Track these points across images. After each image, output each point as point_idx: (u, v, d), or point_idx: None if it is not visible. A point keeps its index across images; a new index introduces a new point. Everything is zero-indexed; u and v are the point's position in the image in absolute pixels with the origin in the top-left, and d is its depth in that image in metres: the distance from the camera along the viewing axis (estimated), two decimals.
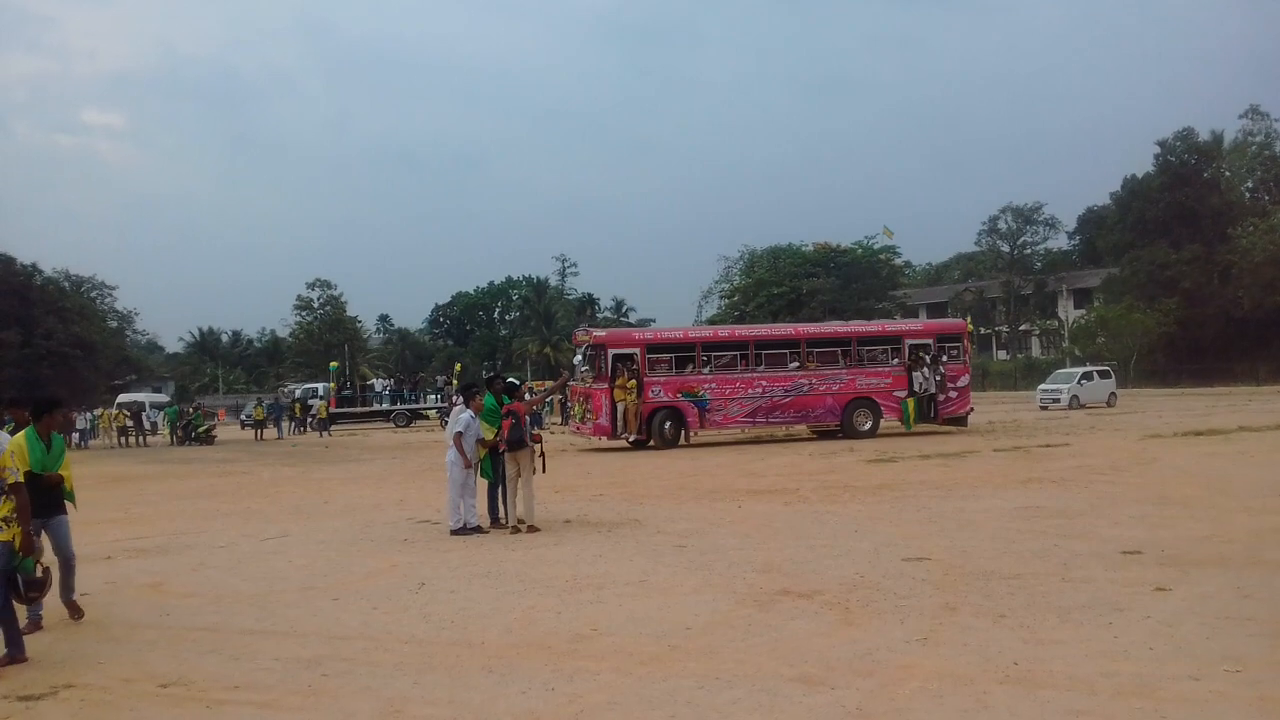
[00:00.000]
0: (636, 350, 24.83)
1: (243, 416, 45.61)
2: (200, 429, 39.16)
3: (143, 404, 45.72)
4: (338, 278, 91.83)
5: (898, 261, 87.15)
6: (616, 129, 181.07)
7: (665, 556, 9.92)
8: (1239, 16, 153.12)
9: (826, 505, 13.34)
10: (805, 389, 25.49)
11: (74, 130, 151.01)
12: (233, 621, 7.77)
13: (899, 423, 26.31)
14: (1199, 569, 8.41)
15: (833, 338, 27.39)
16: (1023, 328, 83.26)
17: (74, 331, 57.09)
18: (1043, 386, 42.95)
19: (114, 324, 71.69)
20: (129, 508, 16.45)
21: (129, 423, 40.75)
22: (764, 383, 25.31)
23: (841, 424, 25.87)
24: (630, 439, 24.40)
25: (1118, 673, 5.70)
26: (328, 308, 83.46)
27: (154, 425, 41.22)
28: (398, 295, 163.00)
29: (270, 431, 41.73)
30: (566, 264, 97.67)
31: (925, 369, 26.04)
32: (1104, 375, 43.32)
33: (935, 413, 26.29)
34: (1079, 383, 41.60)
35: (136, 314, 78.48)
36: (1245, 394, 47.41)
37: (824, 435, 26.45)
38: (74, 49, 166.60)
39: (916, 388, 25.99)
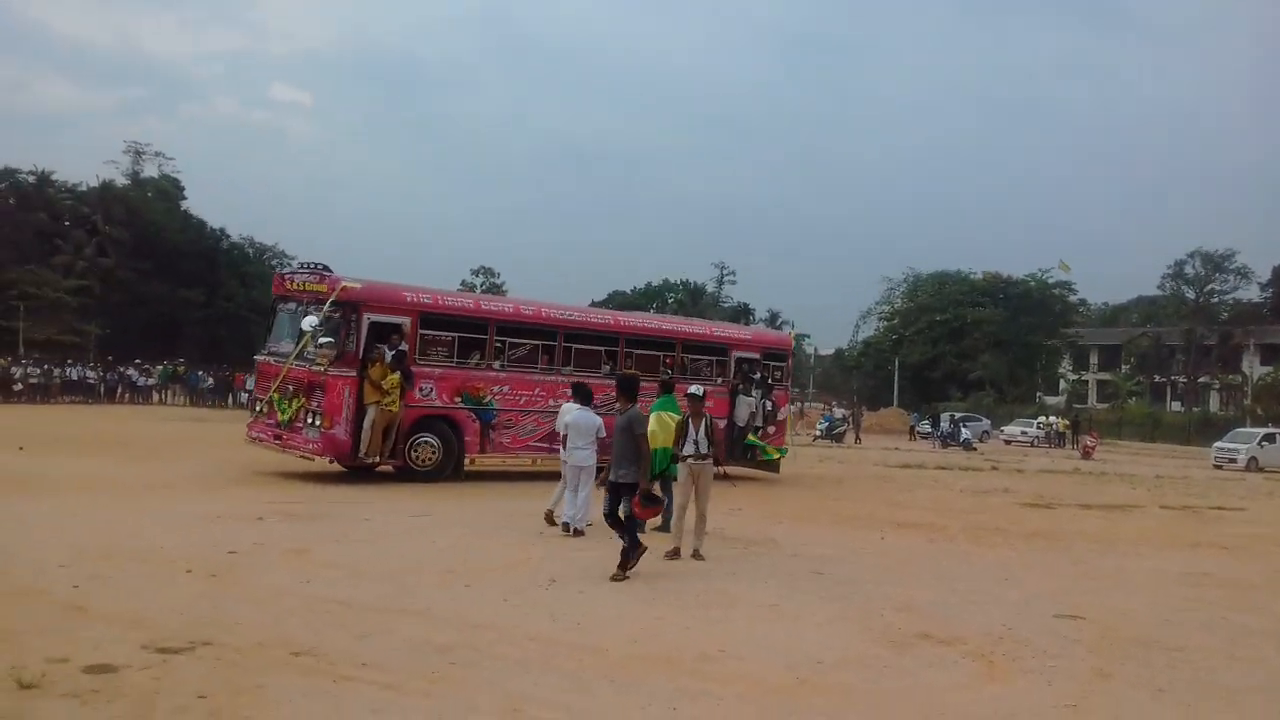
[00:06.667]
0: (406, 320, 16.10)
1: None
2: None
3: None
4: (501, 265, 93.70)
5: (1072, 298, 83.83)
6: (788, 140, 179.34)
7: (800, 582, 9.64)
8: None
9: (974, 547, 12.79)
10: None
11: (266, 105, 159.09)
12: (368, 597, 7.89)
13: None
14: None
15: (657, 337, 20.11)
16: (1201, 380, 78.65)
17: (253, 296, 60.12)
18: (1219, 445, 40.41)
19: None
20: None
21: None
22: (570, 391, 17.69)
23: None
24: (373, 461, 15.81)
25: None
26: (487, 294, 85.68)
27: None
28: (555, 290, 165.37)
29: None
30: (725, 271, 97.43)
31: (755, 393, 19.93)
32: None
33: (765, 450, 20.07)
34: (1259, 444, 39.01)
35: None
36: None
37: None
38: (270, 28, 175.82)
39: (743, 417, 19.38)
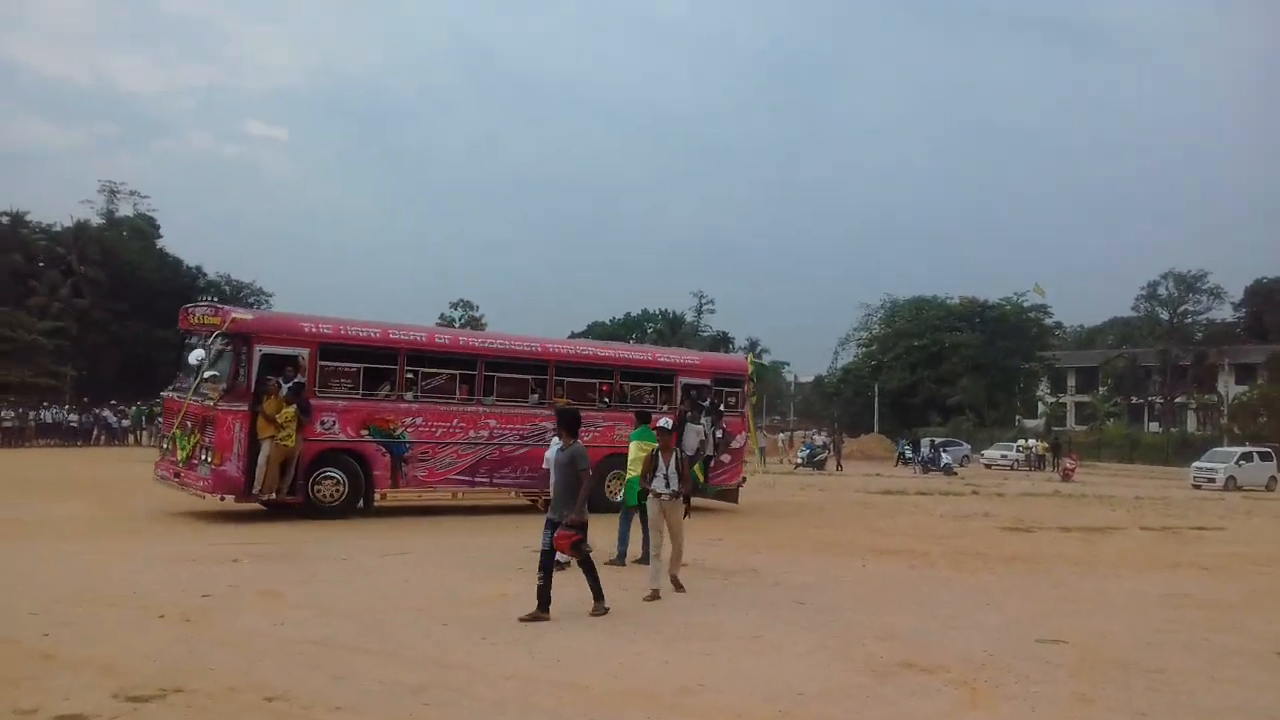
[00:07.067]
0: (304, 351, 15.63)
1: None
2: None
3: None
4: (478, 299, 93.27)
5: (1048, 321, 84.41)
6: (770, 168, 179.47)
7: (781, 612, 9.59)
8: None
9: (955, 572, 12.77)
10: (548, 436, 15.45)
11: (240, 140, 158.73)
12: (341, 637, 7.79)
13: None
14: None
15: (591, 364, 19.21)
16: (1178, 400, 79.25)
17: None
18: (1197, 464, 40.68)
19: None
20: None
21: None
22: (493, 422, 17.23)
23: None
24: (268, 498, 15.18)
25: None
26: (467, 329, 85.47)
27: None
28: (534, 321, 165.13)
29: None
30: (704, 301, 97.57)
31: (705, 421, 18.38)
32: (1265, 457, 40.83)
33: (705, 481, 18.22)
34: (1237, 463, 39.32)
35: None
36: None
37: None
38: (245, 63, 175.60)
39: (691, 446, 16.92)
